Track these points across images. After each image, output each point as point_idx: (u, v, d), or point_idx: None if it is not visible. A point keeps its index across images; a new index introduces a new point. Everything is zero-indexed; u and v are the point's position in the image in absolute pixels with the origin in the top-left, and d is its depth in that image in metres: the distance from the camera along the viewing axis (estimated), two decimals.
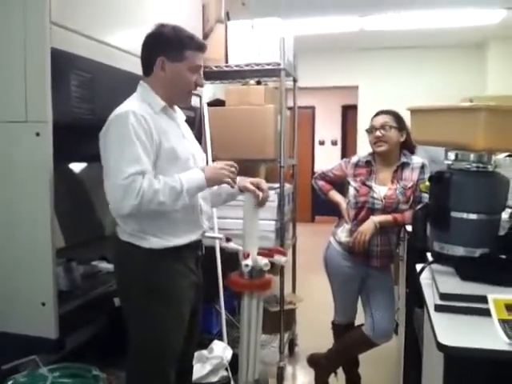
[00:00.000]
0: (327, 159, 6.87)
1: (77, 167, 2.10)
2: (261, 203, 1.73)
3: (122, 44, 1.86)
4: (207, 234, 1.79)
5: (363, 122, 5.63)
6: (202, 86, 1.73)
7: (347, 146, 8.47)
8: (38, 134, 1.52)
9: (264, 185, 1.73)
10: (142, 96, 1.63)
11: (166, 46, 1.61)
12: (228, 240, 1.88)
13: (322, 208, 7.15)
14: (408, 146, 2.38)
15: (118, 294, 1.68)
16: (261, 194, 1.71)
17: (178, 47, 1.61)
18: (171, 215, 1.59)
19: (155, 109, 1.61)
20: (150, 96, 1.62)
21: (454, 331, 1.04)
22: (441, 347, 0.97)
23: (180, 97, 1.70)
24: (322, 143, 8.86)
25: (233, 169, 1.63)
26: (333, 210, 2.60)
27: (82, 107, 1.65)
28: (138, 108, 1.54)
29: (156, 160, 1.55)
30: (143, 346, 1.61)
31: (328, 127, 8.77)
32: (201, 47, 1.67)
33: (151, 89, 1.63)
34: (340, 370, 2.62)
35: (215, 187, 1.84)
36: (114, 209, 1.53)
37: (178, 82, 1.63)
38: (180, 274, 1.65)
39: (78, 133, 1.64)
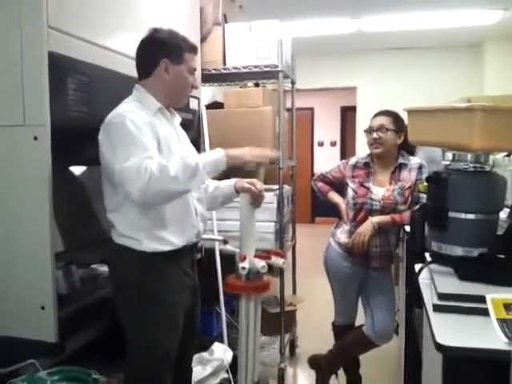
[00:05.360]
0: (326, 160, 6.89)
1: (75, 170, 2.09)
2: (256, 200, 1.72)
3: (119, 47, 1.86)
4: (206, 236, 1.78)
5: (362, 122, 5.64)
6: (197, 87, 1.81)
7: (346, 147, 8.47)
8: (36, 138, 1.51)
9: (259, 185, 1.74)
10: (138, 98, 1.65)
11: (167, 50, 1.66)
12: (225, 242, 1.87)
13: (322, 209, 7.14)
14: (407, 147, 2.38)
15: (113, 297, 1.67)
16: (259, 187, 1.72)
17: (177, 50, 1.67)
18: (163, 215, 1.58)
19: (151, 110, 1.63)
20: (146, 98, 1.65)
21: (452, 331, 1.04)
22: (439, 347, 0.97)
23: (179, 98, 1.76)
24: (320, 144, 8.86)
25: (257, 152, 1.65)
26: (333, 212, 2.60)
27: (80, 110, 1.65)
28: (133, 108, 1.57)
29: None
30: (138, 350, 1.60)
31: (327, 128, 8.77)
32: (194, 49, 1.75)
33: (147, 91, 1.66)
34: (341, 371, 2.62)
35: (211, 188, 1.84)
36: (129, 194, 1.46)
37: (179, 83, 1.69)
38: (174, 277, 1.63)
39: (77, 136, 1.63)
